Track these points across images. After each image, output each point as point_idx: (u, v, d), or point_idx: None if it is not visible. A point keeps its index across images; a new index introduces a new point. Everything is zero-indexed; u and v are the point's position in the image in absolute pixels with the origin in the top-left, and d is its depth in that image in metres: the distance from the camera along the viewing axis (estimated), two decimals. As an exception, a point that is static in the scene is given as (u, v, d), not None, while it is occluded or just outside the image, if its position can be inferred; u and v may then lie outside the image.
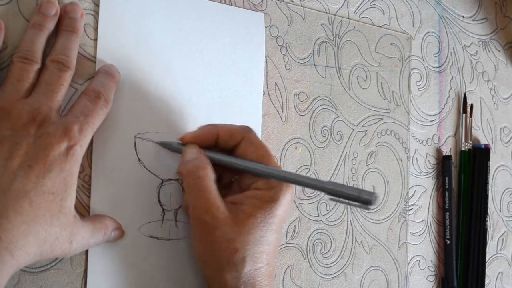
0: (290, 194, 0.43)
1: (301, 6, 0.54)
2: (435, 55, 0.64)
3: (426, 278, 0.62)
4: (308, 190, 0.53)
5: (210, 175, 0.42)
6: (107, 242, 0.41)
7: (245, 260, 0.40)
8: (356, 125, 0.57)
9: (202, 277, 0.46)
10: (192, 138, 0.44)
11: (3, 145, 0.35)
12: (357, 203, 0.40)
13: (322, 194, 0.54)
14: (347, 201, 0.40)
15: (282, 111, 0.52)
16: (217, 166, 0.43)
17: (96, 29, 0.43)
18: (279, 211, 0.42)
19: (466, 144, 0.65)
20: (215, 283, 0.41)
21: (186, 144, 0.44)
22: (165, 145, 0.45)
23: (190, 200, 0.42)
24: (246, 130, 0.44)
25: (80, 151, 0.37)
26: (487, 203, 0.66)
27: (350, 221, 0.56)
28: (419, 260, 0.61)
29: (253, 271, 0.41)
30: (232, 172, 0.45)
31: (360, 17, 0.58)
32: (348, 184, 0.56)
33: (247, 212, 0.41)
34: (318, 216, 0.54)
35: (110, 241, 0.41)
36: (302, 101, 0.54)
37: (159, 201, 0.45)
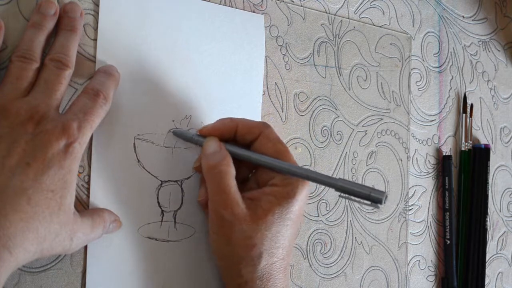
0: (306, 191, 0.43)
1: (301, 6, 0.54)
2: (435, 55, 0.64)
3: (426, 278, 0.62)
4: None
5: (231, 171, 0.42)
6: (106, 234, 0.41)
7: (262, 255, 0.41)
8: (356, 125, 0.57)
9: (202, 278, 0.46)
10: (211, 130, 0.44)
11: (0, 143, 0.35)
12: (367, 202, 0.40)
13: (322, 194, 0.54)
14: (357, 199, 0.41)
15: (282, 111, 0.52)
16: (234, 160, 0.43)
17: (96, 29, 0.43)
18: (295, 207, 0.43)
19: (466, 144, 0.65)
20: (230, 275, 0.42)
21: (205, 136, 0.44)
22: (180, 135, 0.45)
23: (210, 193, 0.42)
24: (264, 126, 0.44)
25: (79, 148, 0.37)
26: (487, 203, 0.65)
27: (350, 221, 0.56)
28: (419, 260, 0.61)
29: (269, 265, 0.42)
30: (249, 167, 0.46)
31: (360, 17, 0.58)
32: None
33: (265, 209, 0.41)
34: (318, 216, 0.54)
35: (109, 233, 0.42)
36: (302, 101, 0.54)
37: (158, 203, 0.44)
